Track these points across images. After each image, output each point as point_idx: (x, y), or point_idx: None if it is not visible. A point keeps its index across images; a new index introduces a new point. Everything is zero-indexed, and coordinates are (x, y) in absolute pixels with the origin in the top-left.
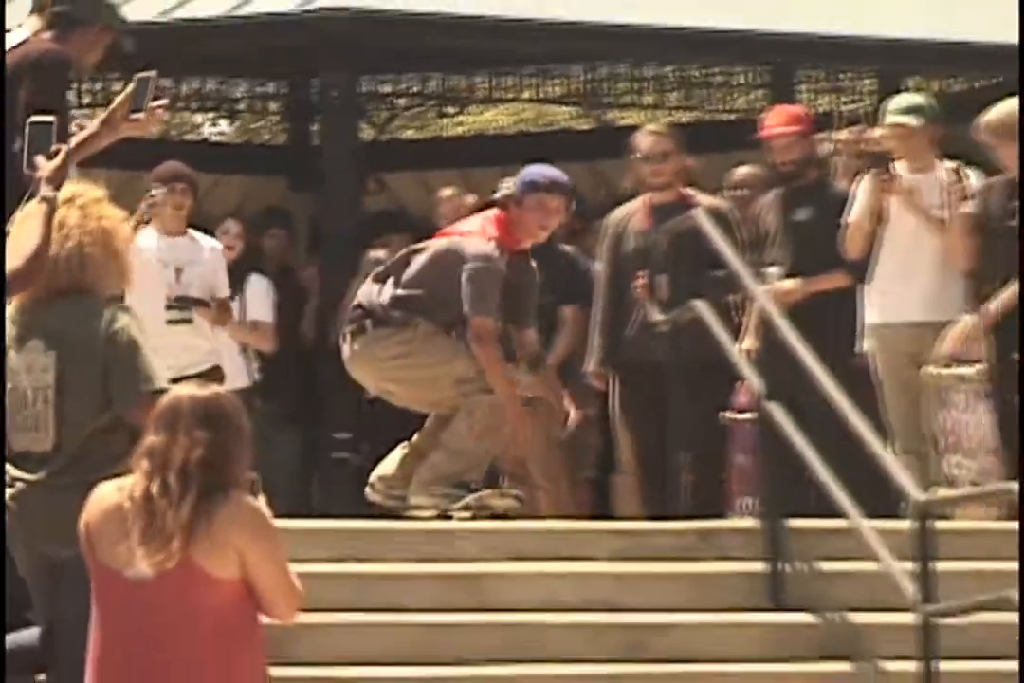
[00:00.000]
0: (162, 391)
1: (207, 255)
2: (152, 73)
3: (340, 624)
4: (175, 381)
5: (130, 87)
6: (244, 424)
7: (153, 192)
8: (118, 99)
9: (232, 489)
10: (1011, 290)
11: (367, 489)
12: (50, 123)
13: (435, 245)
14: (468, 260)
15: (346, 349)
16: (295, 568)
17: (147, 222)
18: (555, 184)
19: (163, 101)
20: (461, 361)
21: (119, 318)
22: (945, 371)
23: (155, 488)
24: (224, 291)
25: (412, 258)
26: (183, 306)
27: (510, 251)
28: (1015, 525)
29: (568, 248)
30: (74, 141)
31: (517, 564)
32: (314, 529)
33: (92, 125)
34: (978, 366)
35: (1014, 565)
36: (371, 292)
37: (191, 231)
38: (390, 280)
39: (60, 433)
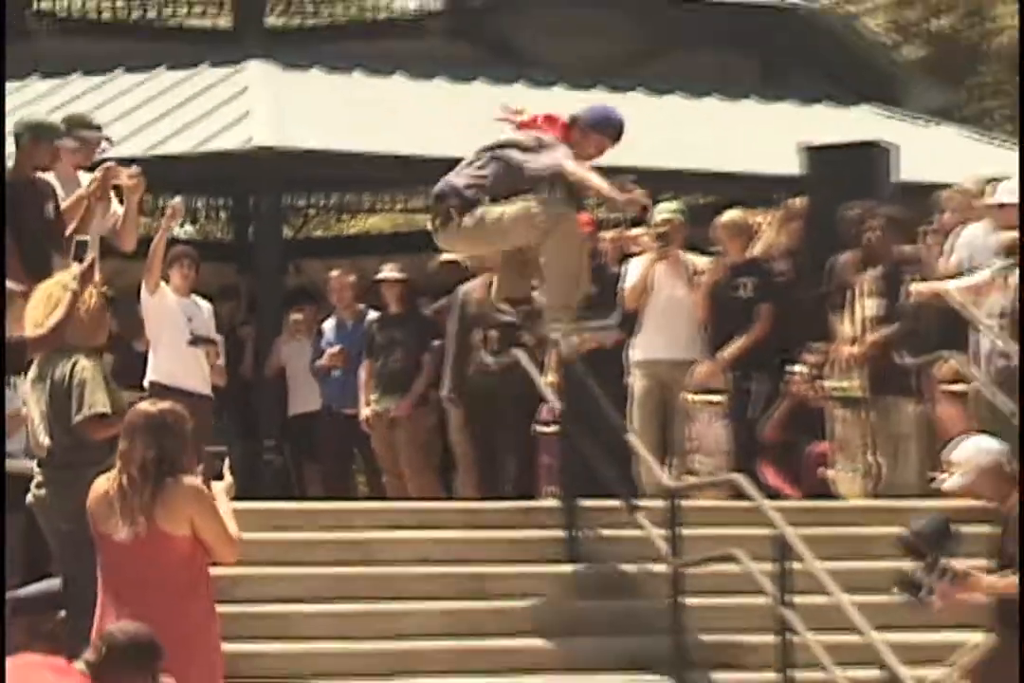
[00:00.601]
0: (102, 415)
1: (204, 311)
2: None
3: (270, 575)
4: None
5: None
6: (185, 430)
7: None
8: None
9: (179, 475)
10: (737, 343)
11: None
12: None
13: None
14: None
15: (451, 228)
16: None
17: (167, 280)
18: (618, 134)
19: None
20: (527, 204)
21: (79, 362)
22: (697, 397)
23: (125, 480)
24: (215, 335)
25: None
26: (196, 340)
27: None
28: (740, 503)
29: None
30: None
31: (396, 532)
32: (252, 509)
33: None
34: (719, 396)
35: (736, 531)
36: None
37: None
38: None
39: (52, 444)
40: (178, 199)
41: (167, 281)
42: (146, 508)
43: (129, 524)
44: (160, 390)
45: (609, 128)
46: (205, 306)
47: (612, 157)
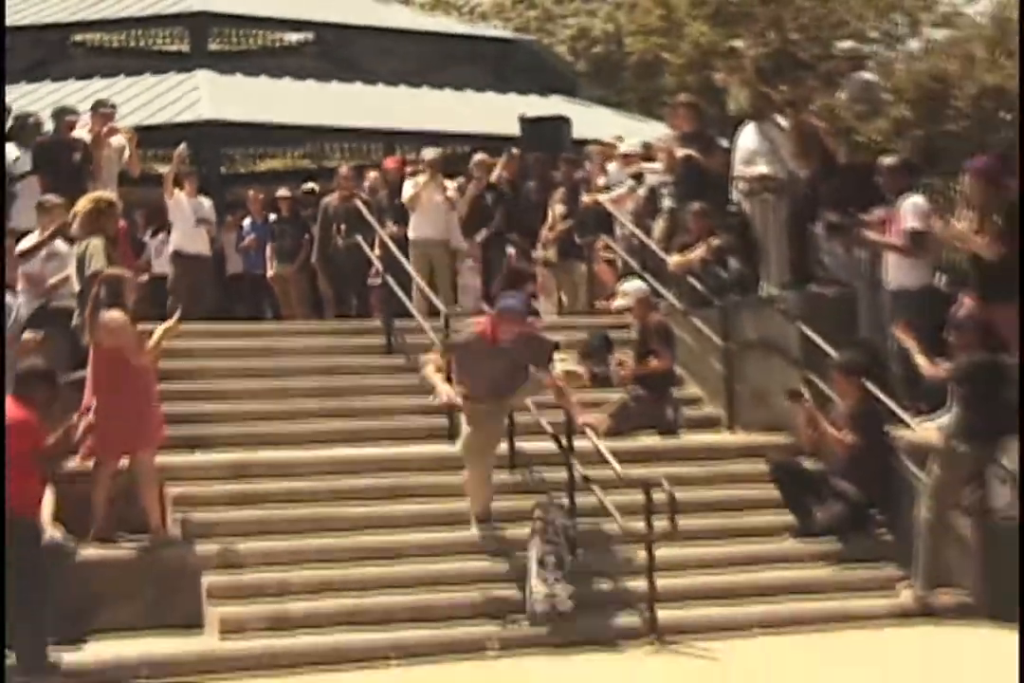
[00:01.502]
0: (97, 272)
1: (206, 205)
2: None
3: (212, 365)
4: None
5: None
6: (124, 285)
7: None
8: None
9: (111, 310)
10: (482, 232)
11: None
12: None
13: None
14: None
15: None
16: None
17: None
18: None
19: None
20: None
21: (92, 242)
22: (467, 263)
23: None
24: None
25: None
26: (199, 221)
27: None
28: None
29: None
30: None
31: (289, 339)
32: (200, 328)
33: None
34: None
35: None
36: None
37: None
38: None
39: (80, 290)
40: (183, 146)
41: (181, 188)
42: (92, 329)
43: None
44: (178, 255)
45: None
46: (207, 202)
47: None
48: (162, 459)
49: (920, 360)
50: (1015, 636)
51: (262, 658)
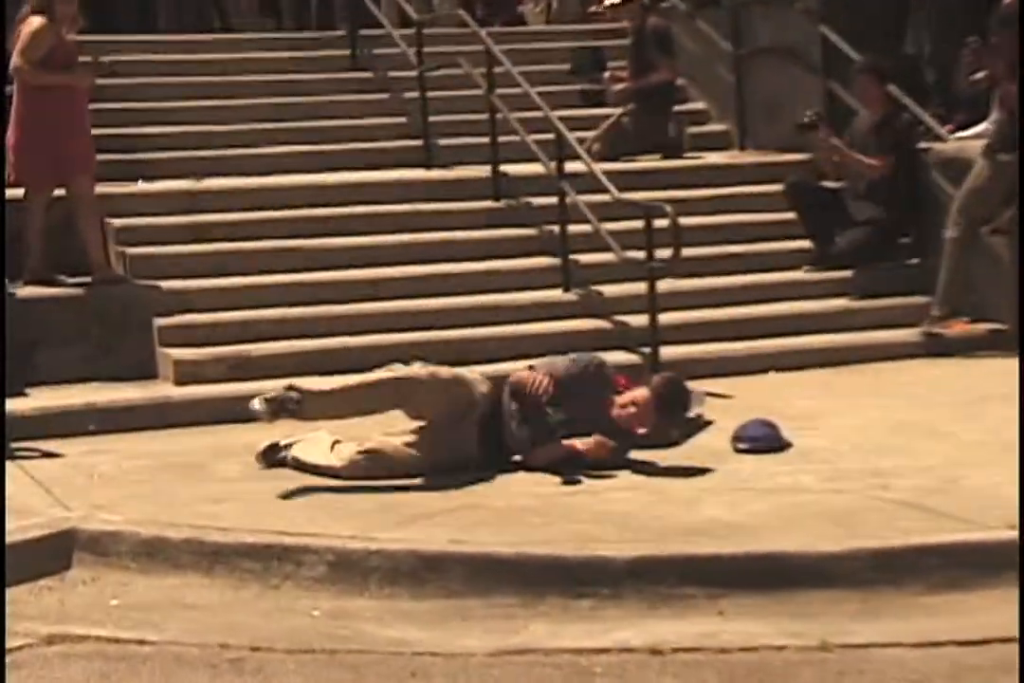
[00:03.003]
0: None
1: None
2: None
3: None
4: None
5: None
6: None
7: None
8: None
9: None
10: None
11: None
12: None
13: None
14: None
15: None
16: None
17: None
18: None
19: None
20: None
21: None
22: None
23: None
24: None
25: None
26: None
27: None
28: (464, 29)
29: None
30: None
31: (240, 53)
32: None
33: None
34: None
35: (462, 48)
36: None
37: None
38: None
39: None
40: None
41: None
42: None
43: None
44: None
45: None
46: None
47: None
48: (101, 190)
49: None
50: None
51: (221, 405)
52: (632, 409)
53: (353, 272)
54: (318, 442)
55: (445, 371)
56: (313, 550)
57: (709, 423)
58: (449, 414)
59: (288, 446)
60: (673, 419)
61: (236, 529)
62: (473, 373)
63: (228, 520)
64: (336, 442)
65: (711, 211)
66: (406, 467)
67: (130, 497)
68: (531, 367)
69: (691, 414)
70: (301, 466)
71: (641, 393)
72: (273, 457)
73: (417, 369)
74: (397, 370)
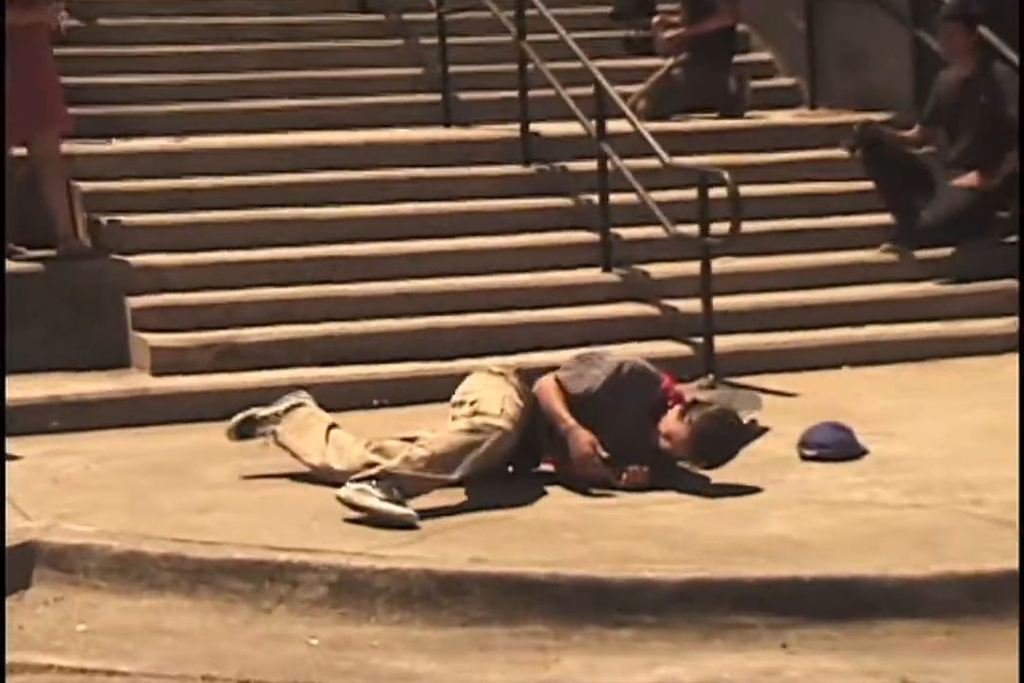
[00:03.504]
0: None
1: None
2: None
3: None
4: None
5: None
6: None
7: None
8: None
9: None
10: None
11: None
12: None
13: None
14: None
15: None
16: None
17: None
18: None
19: None
20: None
21: None
22: None
23: None
24: None
25: None
26: None
27: None
28: None
29: None
30: None
31: None
32: None
33: None
34: None
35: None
36: None
37: None
38: None
39: None
40: None
41: None
42: None
43: None
44: None
45: None
46: None
47: None
48: (68, 149)
49: None
50: None
51: (206, 399)
52: (666, 444)
53: (359, 247)
54: (309, 428)
55: (516, 399)
56: (312, 568)
57: (765, 430)
58: None
59: (266, 420)
60: (712, 463)
61: (223, 543)
62: (508, 370)
63: (214, 533)
64: (332, 427)
65: (776, 179)
66: (432, 484)
67: (100, 505)
68: (555, 370)
69: (744, 419)
70: (288, 451)
71: (678, 429)
72: (249, 431)
73: (498, 406)
74: (480, 418)
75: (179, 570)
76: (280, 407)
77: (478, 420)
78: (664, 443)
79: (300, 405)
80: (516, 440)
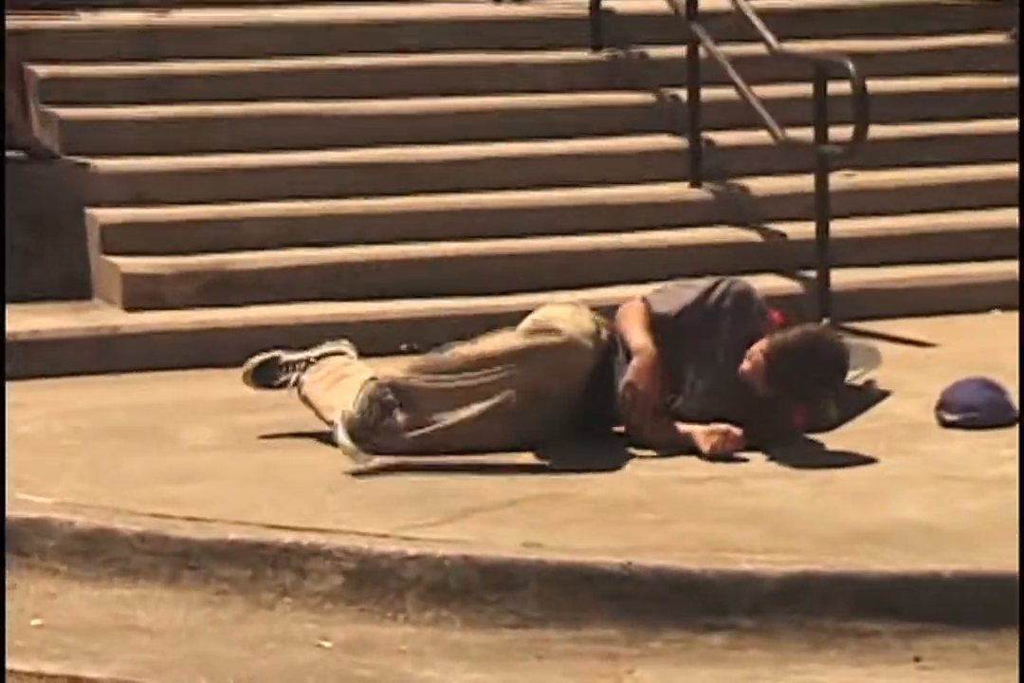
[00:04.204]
0: None
1: None
2: None
3: None
4: None
5: None
6: None
7: None
8: None
9: None
10: None
11: None
12: None
13: None
14: None
15: None
16: None
17: None
18: None
19: None
20: None
21: None
22: None
23: None
24: None
25: None
26: None
27: None
28: None
29: None
30: None
31: None
32: None
33: None
34: None
35: None
36: None
37: None
38: None
39: None
40: None
41: None
42: None
43: None
44: None
45: None
46: None
47: None
48: (19, 23)
49: None
50: None
51: (190, 341)
52: (746, 367)
53: (384, 151)
54: (340, 380)
55: (591, 321)
56: (325, 553)
57: (886, 394)
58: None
59: (292, 366)
60: (800, 396)
61: (213, 520)
62: (579, 308)
63: (202, 507)
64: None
65: (912, 71)
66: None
67: (61, 471)
68: (644, 299)
69: (858, 380)
70: (311, 407)
71: (757, 348)
72: (269, 377)
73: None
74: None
75: (158, 553)
76: (313, 353)
77: (542, 320)
78: (744, 366)
79: (339, 353)
80: (589, 368)
